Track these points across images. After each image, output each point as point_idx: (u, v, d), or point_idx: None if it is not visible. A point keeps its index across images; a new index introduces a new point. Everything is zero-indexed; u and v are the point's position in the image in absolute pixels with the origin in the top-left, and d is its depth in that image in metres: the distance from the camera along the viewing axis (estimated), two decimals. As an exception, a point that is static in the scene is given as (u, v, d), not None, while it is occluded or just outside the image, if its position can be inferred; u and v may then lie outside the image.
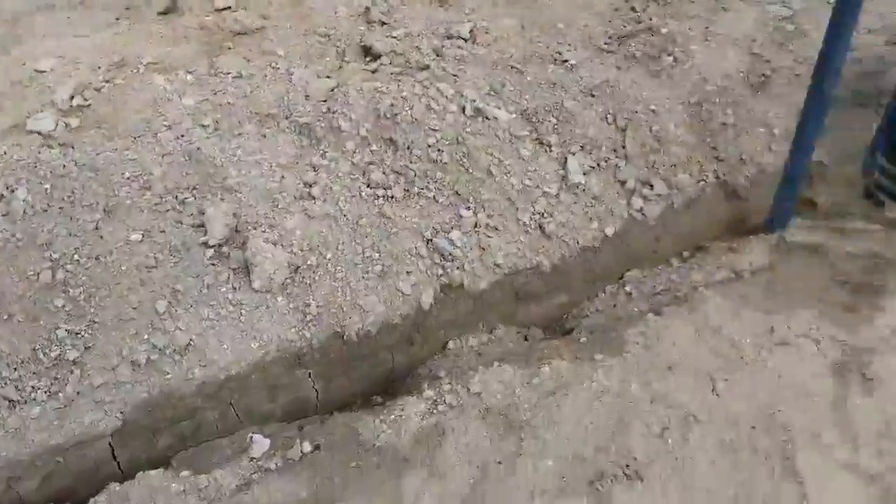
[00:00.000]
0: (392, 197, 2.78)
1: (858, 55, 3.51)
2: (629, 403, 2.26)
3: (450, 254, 2.68)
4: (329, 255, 2.58)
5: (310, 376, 2.47)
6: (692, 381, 2.30)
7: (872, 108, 3.36)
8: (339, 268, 2.56)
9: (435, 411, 2.22)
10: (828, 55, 2.50)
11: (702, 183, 3.06)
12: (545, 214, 2.85)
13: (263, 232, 2.58)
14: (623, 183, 3.00)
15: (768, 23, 3.51)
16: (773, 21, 3.52)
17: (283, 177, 2.72)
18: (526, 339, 2.85)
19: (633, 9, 3.63)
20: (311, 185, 2.73)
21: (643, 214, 2.97)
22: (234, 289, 2.48)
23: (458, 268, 2.68)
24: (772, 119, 3.16)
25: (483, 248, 2.74)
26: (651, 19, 3.53)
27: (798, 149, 2.75)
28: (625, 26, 3.53)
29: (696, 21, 3.48)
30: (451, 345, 2.71)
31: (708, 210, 3.08)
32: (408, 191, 2.81)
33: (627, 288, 2.91)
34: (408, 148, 2.86)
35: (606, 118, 3.10)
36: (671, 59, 3.29)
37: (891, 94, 3.01)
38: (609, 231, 2.91)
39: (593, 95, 3.15)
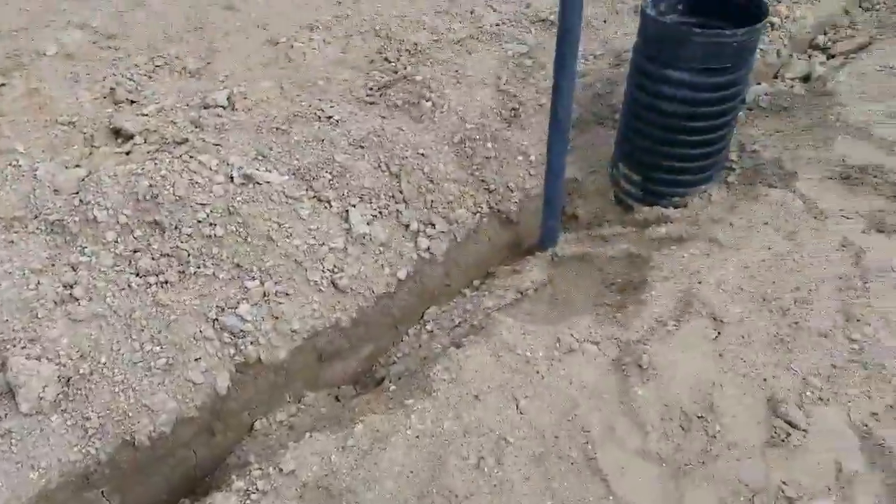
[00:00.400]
0: (166, 282, 2.63)
1: (590, 80, 3.93)
2: (444, 441, 2.30)
3: (240, 330, 2.57)
4: (104, 359, 2.36)
5: (103, 495, 2.23)
6: (498, 405, 2.39)
7: (609, 124, 3.76)
8: (117, 370, 2.35)
9: (248, 502, 2.09)
10: (558, 85, 2.75)
11: (478, 215, 3.22)
12: (336, 270, 2.84)
13: (24, 348, 2.31)
14: (407, 226, 3.08)
15: (509, 60, 3.82)
16: (513, 58, 3.83)
17: (38, 283, 2.47)
18: (338, 399, 2.80)
19: (386, 59, 3.79)
20: (71, 287, 2.50)
21: (431, 253, 3.07)
22: (0, 417, 2.19)
23: (251, 342, 2.58)
24: (527, 147, 3.42)
25: (276, 317, 2.66)
26: (406, 68, 3.70)
27: (550, 172, 2.99)
28: (382, 77, 3.66)
29: (445, 66, 3.70)
30: (258, 425, 2.59)
31: (488, 239, 3.25)
32: (183, 272, 2.67)
33: (428, 326, 2.98)
34: (176, 228, 2.72)
35: (380, 167, 3.18)
36: (430, 104, 3.46)
37: (621, 112, 3.39)
38: (402, 274, 2.96)
39: (363, 147, 3.21)
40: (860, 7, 4.61)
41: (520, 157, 3.40)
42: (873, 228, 2.92)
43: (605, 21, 4.21)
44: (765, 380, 2.37)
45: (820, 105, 3.74)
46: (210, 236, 2.74)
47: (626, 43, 4.04)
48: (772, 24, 4.24)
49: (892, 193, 3.06)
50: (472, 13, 4.17)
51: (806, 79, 4.09)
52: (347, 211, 2.99)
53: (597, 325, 2.64)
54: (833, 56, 4.22)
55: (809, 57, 4.28)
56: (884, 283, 2.65)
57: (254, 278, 2.70)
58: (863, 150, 3.33)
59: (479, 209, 3.24)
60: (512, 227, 3.31)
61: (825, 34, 4.42)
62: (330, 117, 3.33)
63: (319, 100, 3.45)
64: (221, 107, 3.34)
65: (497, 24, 4.07)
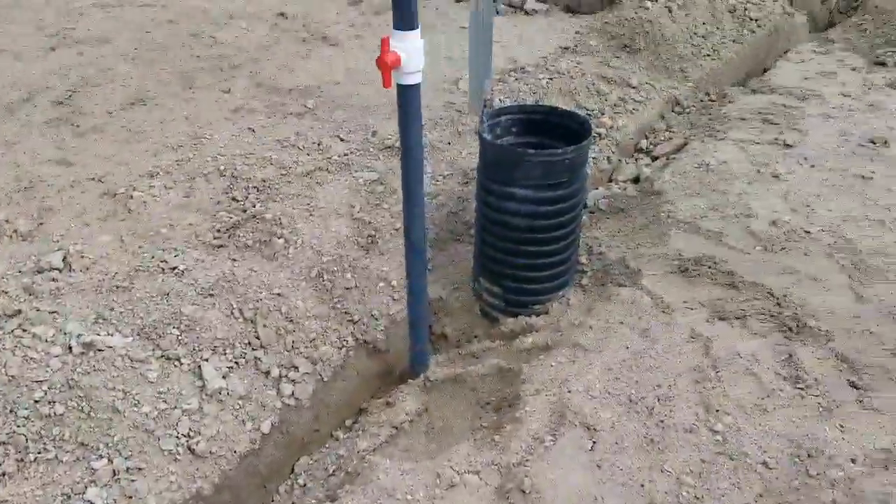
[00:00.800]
0: (3, 474, 2.33)
1: (443, 199, 4.04)
2: None
3: (87, 520, 2.29)
4: (-86, 588, 2.01)
5: None
6: (383, 559, 2.24)
7: (466, 240, 3.86)
8: None
9: None
10: (407, 208, 2.77)
11: (343, 349, 3.14)
12: (192, 434, 2.63)
13: None
14: (267, 373, 2.93)
15: (361, 188, 3.87)
16: (364, 185, 3.89)
17: None
18: (207, 579, 2.52)
19: (234, 199, 3.72)
20: None
21: (296, 398, 2.92)
22: None
23: (101, 533, 2.30)
24: (387, 273, 3.42)
25: (129, 496, 2.40)
26: (255, 206, 3.65)
27: (412, 295, 2.98)
28: (230, 217, 3.58)
29: (296, 200, 3.69)
30: None
31: (357, 373, 3.16)
32: (21, 461, 2.38)
33: (300, 480, 2.79)
34: (11, 412, 2.45)
35: (233, 314, 3.05)
36: (282, 240, 3.40)
37: (475, 227, 3.49)
38: (266, 427, 2.78)
39: (212, 295, 3.08)
40: (673, 111, 5.13)
41: (381, 284, 3.38)
42: (716, 317, 3.11)
43: (449, 143, 4.40)
44: (642, 485, 2.38)
45: (651, 204, 4.04)
46: (49, 416, 2.47)
47: (471, 162, 4.23)
48: (599, 135, 4.61)
49: (727, 282, 3.30)
50: (319, 145, 4.23)
51: (636, 180, 4.43)
52: (200, 366, 2.82)
53: (476, 451, 2.58)
54: (656, 158, 4.63)
55: (636, 160, 4.66)
56: (733, 371, 2.80)
57: (101, 456, 2.45)
58: (695, 244, 3.60)
59: (345, 343, 3.15)
60: (381, 356, 3.25)
61: (647, 138, 4.86)
62: (174, 268, 3.19)
63: (162, 250, 3.31)
64: (57, 269, 3.13)
65: (345, 154, 4.14)
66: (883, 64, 5.44)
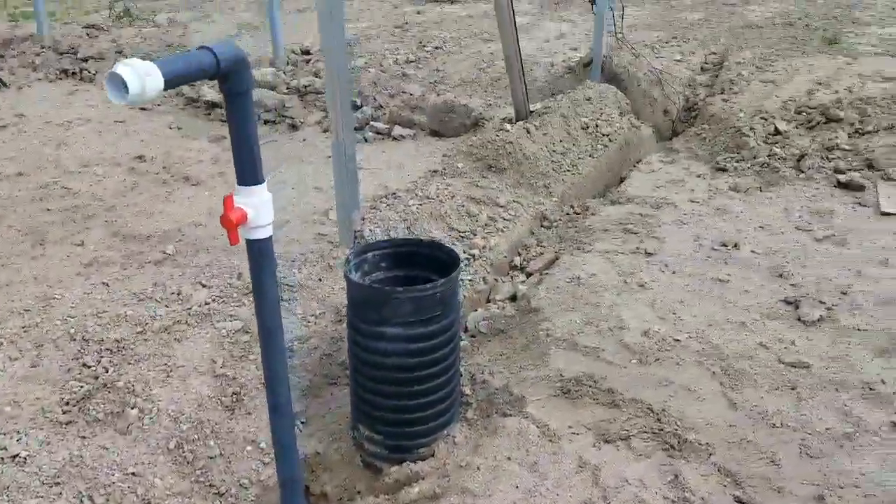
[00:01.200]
0: None
1: (315, 342, 3.87)
2: None
3: None
4: None
5: None
6: None
7: (343, 382, 3.67)
8: None
9: None
10: (267, 363, 2.54)
11: (210, 528, 2.83)
12: None
13: None
14: (121, 570, 2.57)
15: (224, 339, 3.64)
16: (227, 336, 3.66)
17: None
18: None
19: (85, 365, 3.40)
20: None
21: None
22: None
23: None
24: (255, 433, 3.17)
25: None
26: (107, 371, 3.34)
27: (279, 453, 2.71)
28: (81, 387, 3.25)
29: (152, 361, 3.41)
30: None
31: (227, 553, 2.84)
32: None
33: None
34: None
35: (82, 502, 2.69)
36: (136, 410, 3.10)
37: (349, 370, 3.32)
38: None
39: (59, 483, 2.73)
40: (542, 227, 5.28)
41: (249, 448, 3.12)
42: (601, 440, 3.06)
43: (320, 279, 4.28)
44: None
45: (530, 322, 4.04)
46: None
47: (344, 298, 4.09)
48: (473, 256, 4.64)
49: (608, 401, 3.28)
50: (178, 294, 3.99)
51: (513, 298, 4.45)
52: (40, 574, 2.44)
53: None
54: (531, 274, 4.69)
55: (512, 278, 4.71)
56: (623, 500, 2.71)
57: None
58: (574, 362, 3.58)
59: (211, 521, 2.85)
60: (253, 530, 2.95)
61: (519, 255, 4.95)
62: (16, 455, 2.82)
63: (4, 434, 2.94)
64: None
65: (207, 303, 3.92)
66: (724, 169, 5.89)
